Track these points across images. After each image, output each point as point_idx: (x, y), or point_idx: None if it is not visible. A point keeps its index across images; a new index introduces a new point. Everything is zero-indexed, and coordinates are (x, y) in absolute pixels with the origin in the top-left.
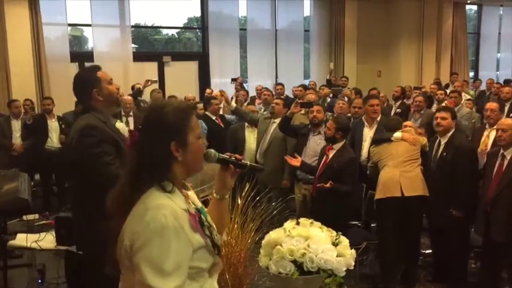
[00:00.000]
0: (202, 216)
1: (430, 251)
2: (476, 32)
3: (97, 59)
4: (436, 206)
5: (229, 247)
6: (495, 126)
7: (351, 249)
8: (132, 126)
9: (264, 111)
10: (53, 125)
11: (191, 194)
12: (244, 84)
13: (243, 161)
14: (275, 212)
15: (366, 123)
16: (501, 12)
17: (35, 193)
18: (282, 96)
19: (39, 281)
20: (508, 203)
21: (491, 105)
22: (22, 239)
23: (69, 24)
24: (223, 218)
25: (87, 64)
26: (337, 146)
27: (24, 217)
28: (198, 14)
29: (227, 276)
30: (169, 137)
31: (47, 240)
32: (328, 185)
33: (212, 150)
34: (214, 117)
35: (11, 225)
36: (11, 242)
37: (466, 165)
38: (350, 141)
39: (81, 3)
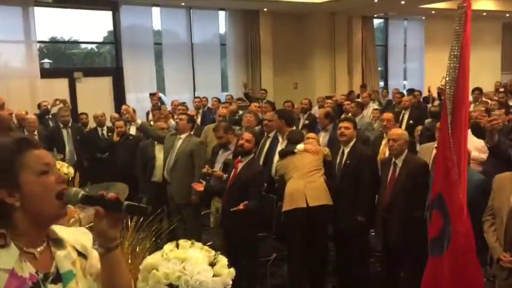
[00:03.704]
0: (49, 285)
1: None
2: (384, 44)
3: (2, 76)
4: (342, 213)
5: None
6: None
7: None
8: None
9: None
10: None
11: (61, 253)
12: (164, 98)
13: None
14: (168, 229)
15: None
16: (406, 25)
17: None
18: (199, 110)
19: None
20: (401, 208)
21: (387, 115)
22: None
23: None
24: (115, 277)
25: None
26: (246, 159)
27: None
28: (110, 28)
29: None
30: None
31: None
32: (241, 206)
33: (73, 189)
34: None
35: None
36: None
37: (367, 173)
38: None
39: None
